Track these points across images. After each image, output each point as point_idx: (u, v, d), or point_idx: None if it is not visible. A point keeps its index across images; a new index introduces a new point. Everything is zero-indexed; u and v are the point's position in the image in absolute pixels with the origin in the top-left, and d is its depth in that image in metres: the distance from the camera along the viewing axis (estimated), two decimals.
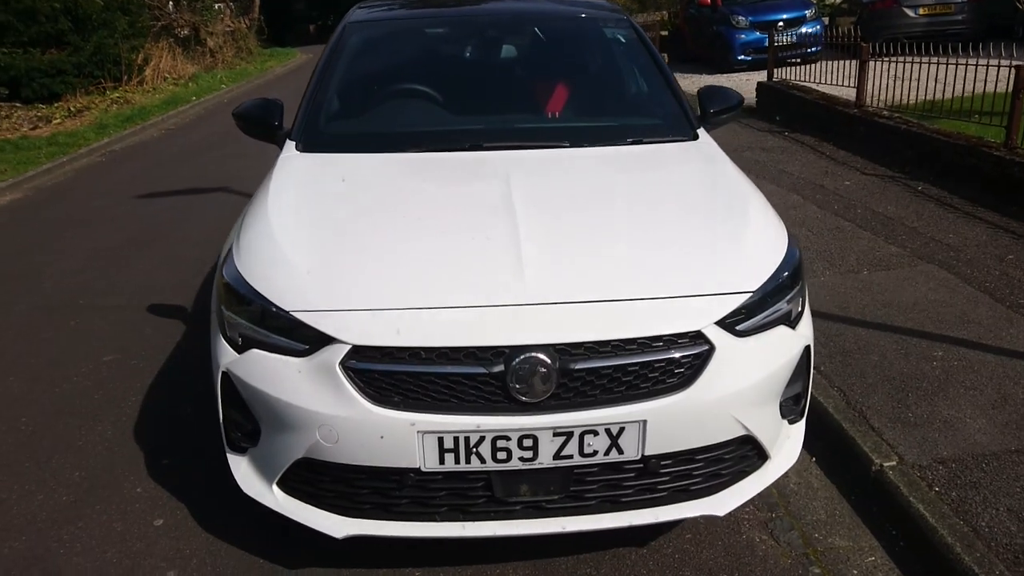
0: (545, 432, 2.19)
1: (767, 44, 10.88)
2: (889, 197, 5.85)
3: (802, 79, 9.64)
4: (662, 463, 2.31)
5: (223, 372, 2.41)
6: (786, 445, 2.58)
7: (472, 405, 2.18)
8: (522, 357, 2.14)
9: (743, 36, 13.25)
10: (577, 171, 3.00)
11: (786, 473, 3.00)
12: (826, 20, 15.39)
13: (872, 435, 3.02)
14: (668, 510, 2.36)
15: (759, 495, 2.83)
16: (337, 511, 2.35)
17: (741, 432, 2.35)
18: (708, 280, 2.35)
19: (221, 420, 2.49)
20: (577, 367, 2.17)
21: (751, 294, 2.35)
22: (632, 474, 2.32)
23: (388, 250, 2.46)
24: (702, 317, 2.26)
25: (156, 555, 2.69)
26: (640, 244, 2.47)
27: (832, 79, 8.89)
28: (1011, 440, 2.93)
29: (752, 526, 2.76)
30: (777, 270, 2.46)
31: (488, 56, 3.83)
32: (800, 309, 2.55)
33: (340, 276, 2.36)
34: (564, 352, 2.17)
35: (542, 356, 2.14)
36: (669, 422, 2.24)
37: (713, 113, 3.54)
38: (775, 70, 10.38)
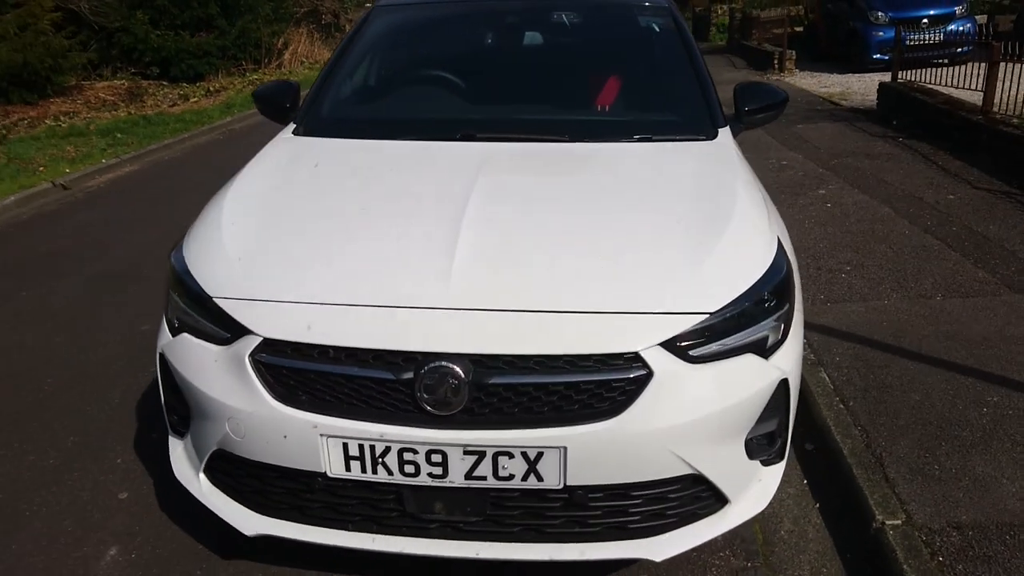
0: (455, 449, 2.02)
1: (906, 42, 10.02)
2: (995, 215, 5.19)
3: (935, 82, 8.80)
4: (591, 495, 2.09)
5: (159, 353, 2.38)
6: (754, 489, 2.27)
7: (379, 412, 2.04)
8: (432, 365, 1.98)
9: (881, 33, 12.30)
10: (559, 168, 2.77)
11: (779, 519, 2.72)
12: (983, 19, 14.07)
13: (884, 486, 2.64)
14: (597, 547, 2.13)
15: (740, 540, 2.59)
16: (254, 508, 2.27)
17: (686, 470, 2.09)
18: (658, 297, 2.09)
19: (163, 402, 2.47)
20: (493, 381, 1.98)
21: (709, 316, 2.07)
22: (557, 504, 2.10)
23: (320, 241, 2.35)
24: (642, 338, 2.01)
25: (107, 529, 2.71)
26: (592, 253, 2.22)
27: (967, 83, 8.06)
28: None
29: (720, 574, 2.47)
30: (750, 290, 2.16)
31: (507, 45, 3.63)
32: (780, 337, 2.23)
33: (265, 265, 2.26)
34: (480, 364, 1.99)
35: (454, 366, 1.97)
36: (594, 451, 2.01)
37: (748, 112, 3.21)
38: (916, 71, 9.51)
